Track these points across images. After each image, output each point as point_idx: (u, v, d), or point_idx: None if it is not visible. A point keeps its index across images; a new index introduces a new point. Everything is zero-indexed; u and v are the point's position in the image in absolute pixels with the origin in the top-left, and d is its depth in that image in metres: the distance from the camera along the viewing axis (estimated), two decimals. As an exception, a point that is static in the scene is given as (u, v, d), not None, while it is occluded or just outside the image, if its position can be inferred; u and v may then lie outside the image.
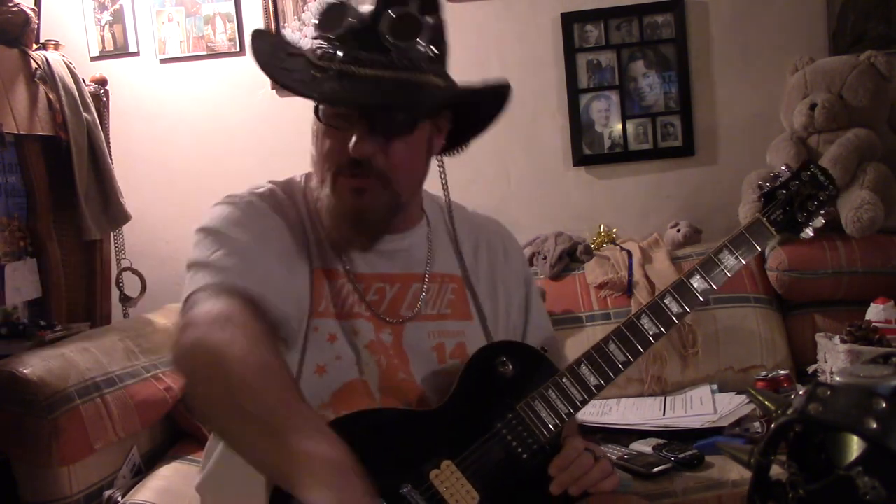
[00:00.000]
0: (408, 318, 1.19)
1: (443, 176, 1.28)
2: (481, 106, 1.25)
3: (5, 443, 1.61)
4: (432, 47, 1.08)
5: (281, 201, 1.20)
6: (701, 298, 1.21)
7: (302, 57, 1.10)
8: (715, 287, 1.21)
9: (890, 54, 2.31)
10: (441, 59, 1.14)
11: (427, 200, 1.31)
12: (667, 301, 1.20)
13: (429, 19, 1.07)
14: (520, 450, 1.12)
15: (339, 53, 1.05)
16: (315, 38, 1.09)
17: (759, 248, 1.25)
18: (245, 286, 1.03)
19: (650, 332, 1.18)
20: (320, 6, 1.08)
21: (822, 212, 1.28)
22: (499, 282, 1.30)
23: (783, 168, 1.30)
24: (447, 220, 1.31)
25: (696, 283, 1.21)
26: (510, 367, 1.15)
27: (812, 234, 1.29)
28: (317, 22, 1.08)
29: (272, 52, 1.12)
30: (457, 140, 1.28)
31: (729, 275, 1.22)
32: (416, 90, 1.07)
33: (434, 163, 1.24)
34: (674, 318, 1.19)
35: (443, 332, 1.21)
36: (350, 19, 1.05)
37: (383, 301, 1.19)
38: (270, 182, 1.25)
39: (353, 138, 1.06)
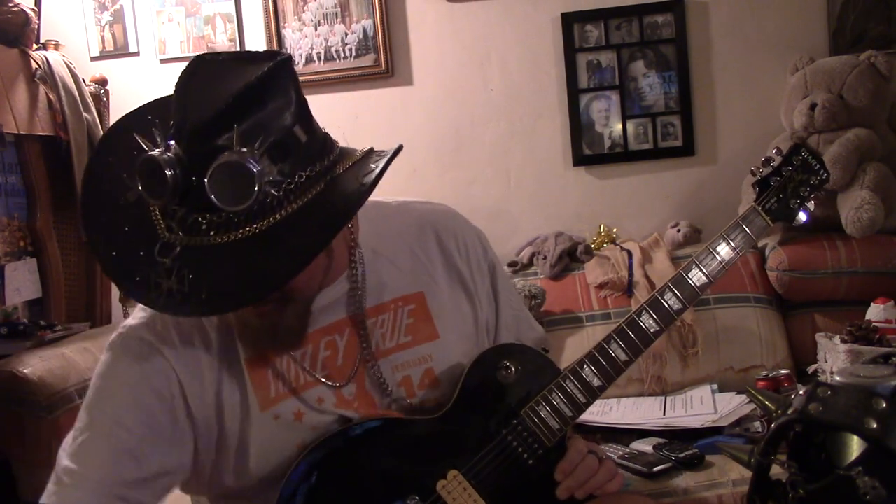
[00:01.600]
0: (366, 360, 1.10)
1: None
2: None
3: (5, 443, 1.61)
4: (278, 166, 0.87)
5: None
6: (700, 293, 1.19)
7: (142, 210, 0.90)
8: (713, 281, 1.19)
9: (890, 54, 2.31)
10: (293, 149, 0.89)
11: (364, 221, 1.14)
12: (667, 297, 1.17)
13: (258, 144, 0.85)
14: (525, 455, 1.10)
15: (175, 225, 0.87)
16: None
17: (756, 238, 1.23)
18: None
19: (651, 330, 1.16)
20: (139, 167, 0.86)
21: (814, 196, 1.28)
22: (459, 279, 1.20)
23: (774, 152, 1.29)
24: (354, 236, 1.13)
25: (695, 277, 1.19)
26: (511, 370, 1.12)
27: (804, 220, 1.28)
28: (141, 187, 0.87)
29: (111, 204, 0.92)
30: None
31: (726, 267, 1.20)
32: (270, 254, 0.87)
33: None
34: (674, 315, 1.17)
35: (406, 363, 1.12)
36: (169, 178, 0.84)
37: (338, 354, 1.10)
38: None
39: None
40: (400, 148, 0.98)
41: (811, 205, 1.28)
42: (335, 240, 1.03)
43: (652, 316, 1.16)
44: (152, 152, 0.84)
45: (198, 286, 0.86)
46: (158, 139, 0.87)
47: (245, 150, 0.84)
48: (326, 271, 1.06)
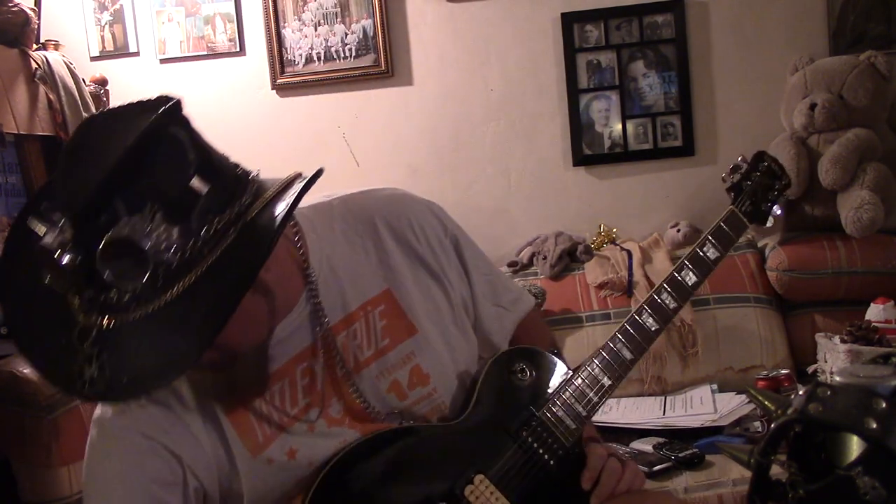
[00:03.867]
0: (347, 377, 1.06)
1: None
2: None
3: (5, 443, 1.61)
4: (177, 227, 0.81)
5: None
6: (692, 292, 1.25)
7: (57, 296, 0.83)
8: (702, 280, 1.26)
9: (890, 54, 2.31)
10: (194, 203, 0.83)
11: (311, 234, 1.07)
12: (663, 297, 1.22)
13: (148, 210, 0.80)
14: (546, 457, 1.10)
15: (88, 307, 0.82)
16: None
17: (737, 239, 1.30)
18: None
19: (652, 328, 1.20)
20: (36, 257, 0.81)
21: (780, 200, 1.37)
22: (423, 265, 1.15)
23: (739, 160, 1.37)
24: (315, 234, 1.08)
25: (688, 277, 1.24)
26: (526, 373, 1.14)
27: (772, 224, 1.37)
28: (46, 276, 0.82)
29: (28, 295, 0.87)
30: None
31: (714, 267, 1.27)
32: (184, 324, 0.82)
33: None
34: (671, 313, 1.22)
35: (391, 367, 1.08)
36: (67, 264, 0.80)
37: (317, 379, 1.05)
38: None
39: None
40: (319, 172, 0.92)
41: (777, 209, 1.36)
42: (280, 271, 0.99)
43: (651, 315, 1.20)
44: (45, 240, 0.80)
45: (118, 370, 0.81)
46: (55, 219, 0.81)
47: (134, 219, 0.79)
48: (272, 314, 0.99)
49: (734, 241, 1.29)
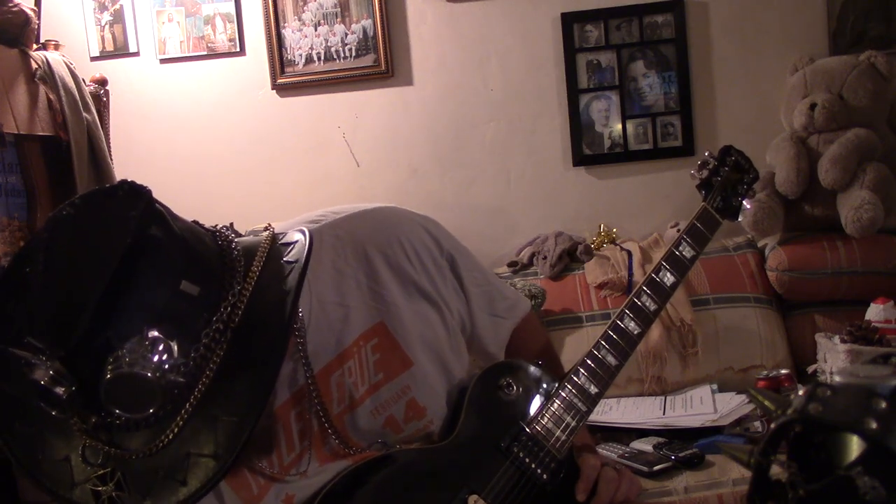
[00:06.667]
0: (341, 412, 1.04)
1: None
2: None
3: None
4: (176, 340, 0.77)
5: None
6: (671, 292, 1.22)
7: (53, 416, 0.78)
8: (681, 280, 1.23)
9: (890, 54, 2.31)
10: (188, 308, 0.80)
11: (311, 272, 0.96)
12: (643, 300, 1.20)
13: (144, 333, 0.75)
14: (539, 471, 1.08)
15: (92, 430, 0.79)
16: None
17: (711, 237, 1.28)
18: None
19: (634, 333, 1.18)
20: (29, 391, 0.75)
21: (749, 193, 1.35)
22: (418, 290, 1.11)
23: (707, 154, 1.36)
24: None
25: (666, 278, 1.22)
26: (512, 387, 1.12)
27: (742, 219, 1.37)
28: (43, 405, 0.77)
29: (20, 412, 0.82)
30: None
31: (690, 266, 1.25)
32: (203, 443, 0.80)
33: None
34: (652, 315, 1.20)
35: (386, 402, 1.06)
36: (63, 395, 0.75)
37: (312, 421, 1.02)
38: None
39: None
40: (311, 244, 0.90)
41: (747, 203, 1.35)
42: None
43: (633, 319, 1.18)
44: (34, 374, 0.74)
45: (137, 492, 0.80)
46: (40, 349, 0.76)
47: (130, 346, 0.75)
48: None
49: (709, 239, 1.27)
